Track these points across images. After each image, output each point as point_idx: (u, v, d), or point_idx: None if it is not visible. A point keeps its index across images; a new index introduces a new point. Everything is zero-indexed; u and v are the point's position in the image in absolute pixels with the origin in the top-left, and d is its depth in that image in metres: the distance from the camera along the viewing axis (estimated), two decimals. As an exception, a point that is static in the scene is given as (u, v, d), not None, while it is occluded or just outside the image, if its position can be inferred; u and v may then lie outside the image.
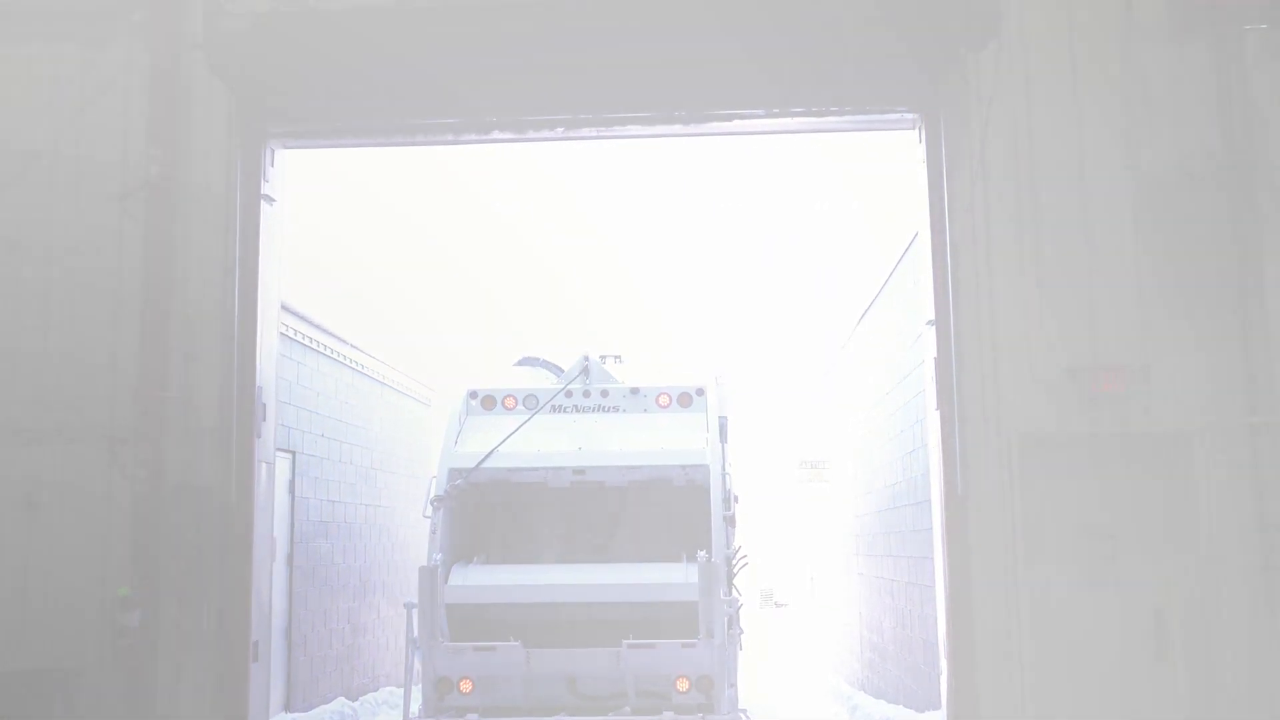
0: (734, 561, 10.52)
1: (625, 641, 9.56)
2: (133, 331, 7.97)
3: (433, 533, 10.00)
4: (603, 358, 11.93)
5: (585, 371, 11.42)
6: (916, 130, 8.27)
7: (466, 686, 9.53)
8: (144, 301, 7.99)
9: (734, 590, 10.39)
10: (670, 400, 11.22)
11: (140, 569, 7.78)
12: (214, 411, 7.95)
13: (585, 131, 8.34)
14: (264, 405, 8.16)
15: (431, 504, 10.09)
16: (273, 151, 8.38)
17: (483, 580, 9.96)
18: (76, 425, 7.89)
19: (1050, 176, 7.84)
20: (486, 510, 10.88)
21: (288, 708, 11.96)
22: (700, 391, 11.22)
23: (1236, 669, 7.40)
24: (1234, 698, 7.38)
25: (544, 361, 12.40)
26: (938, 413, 7.90)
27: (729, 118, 8.20)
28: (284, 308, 11.68)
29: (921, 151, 8.20)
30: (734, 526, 10.64)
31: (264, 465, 8.19)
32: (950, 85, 7.96)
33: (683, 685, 9.59)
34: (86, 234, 8.07)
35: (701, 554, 9.72)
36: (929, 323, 8.06)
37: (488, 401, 11.11)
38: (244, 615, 7.89)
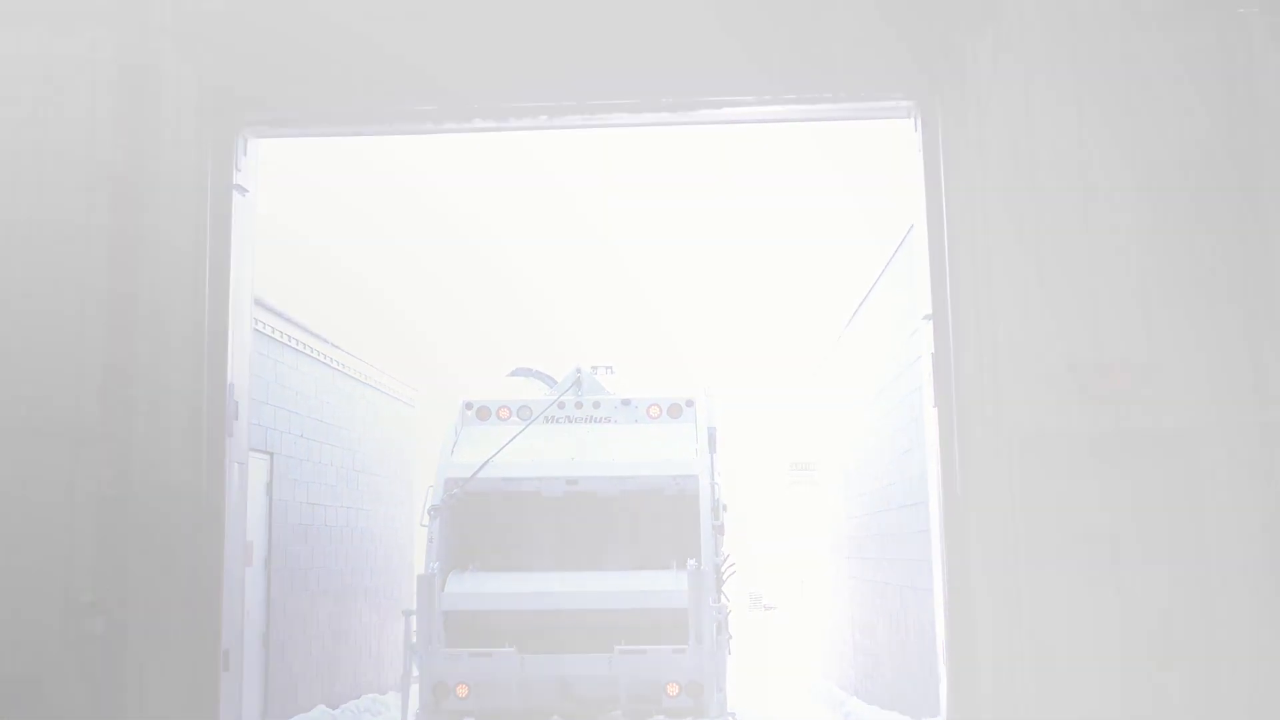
0: (722, 569, 10.92)
1: (617, 647, 10.02)
2: (98, 326, 7.68)
3: (430, 541, 10.51)
4: (594, 369, 12.46)
5: (578, 383, 12.01)
6: (912, 119, 8.06)
7: (463, 691, 10.13)
8: (110, 295, 7.70)
9: (723, 597, 10.73)
10: (661, 411, 11.79)
11: (106, 574, 7.49)
12: (184, 409, 7.67)
13: (569, 120, 8.08)
14: (236, 403, 7.90)
15: (429, 513, 10.55)
16: (245, 141, 8.12)
17: (479, 588, 10.43)
18: (39, 424, 7.59)
19: (1050, 167, 7.63)
20: (482, 519, 11.35)
21: (265, 716, 11.71)
22: (690, 403, 11.82)
23: (1240, 672, 7.21)
24: (1238, 701, 7.19)
25: (537, 372, 12.99)
26: (935, 410, 7.71)
27: (718, 105, 7.96)
28: (263, 305, 11.47)
29: (918, 141, 7.99)
30: (723, 535, 11.12)
31: (236, 466, 7.93)
32: (947, 73, 7.76)
33: (673, 690, 10.09)
34: (51, 226, 7.77)
35: (691, 562, 10.13)
36: (925, 317, 7.88)
37: (483, 412, 11.73)
38: (214, 622, 7.60)
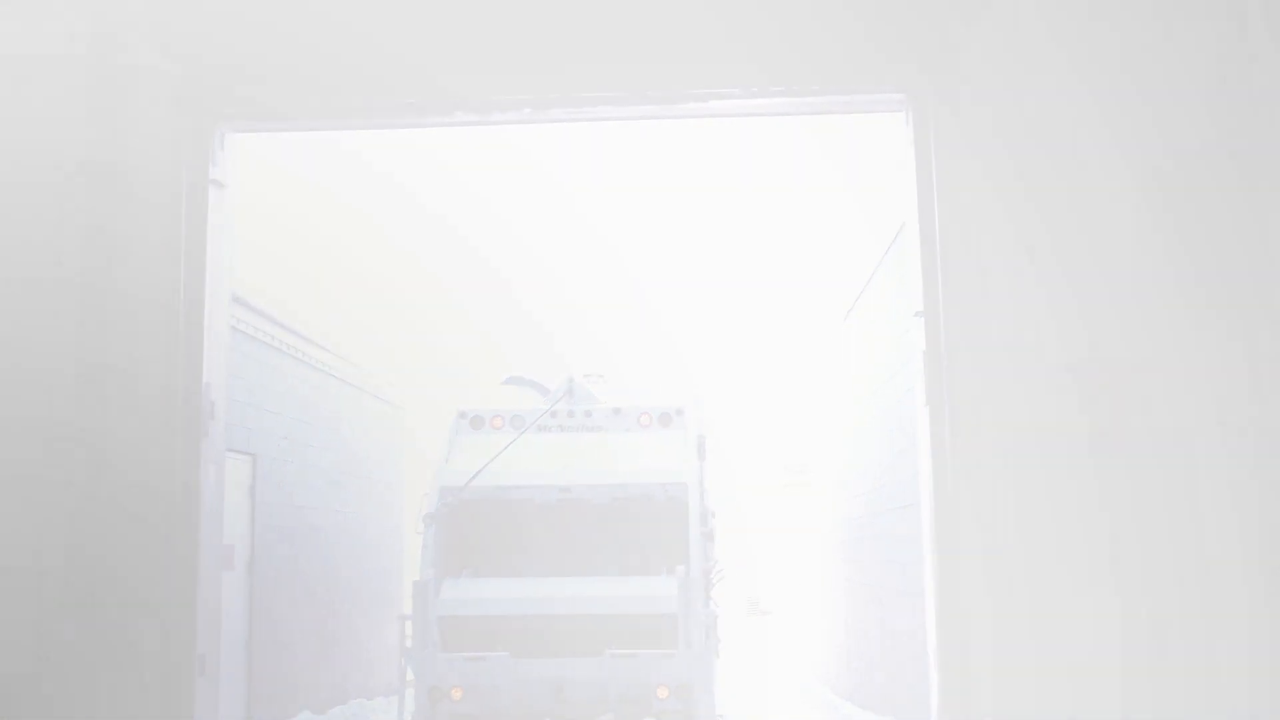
0: (711, 574, 11.18)
1: (608, 651, 10.37)
2: (71, 323, 7.51)
3: (425, 548, 10.90)
4: (586, 376, 12.73)
5: (570, 392, 12.33)
6: (904, 112, 7.92)
7: (458, 694, 10.57)
8: (83, 291, 7.55)
9: (711, 602, 10.99)
10: (651, 420, 12.16)
11: (78, 576, 7.33)
12: (158, 409, 7.51)
13: (554, 113, 7.94)
14: (212, 402, 7.75)
15: (424, 520, 10.90)
16: (222, 135, 7.98)
17: (473, 593, 10.83)
18: (9, 422, 7.43)
19: (1045, 162, 7.49)
20: (477, 526, 11.71)
21: (248, 722, 11.55)
22: (680, 412, 12.18)
23: (1240, 673, 7.08)
24: (1238, 701, 7.06)
25: (530, 381, 13.31)
26: (926, 409, 7.57)
27: (705, 98, 7.82)
28: (246, 305, 11.33)
29: (909, 135, 7.86)
30: (711, 541, 11.46)
31: (213, 466, 7.78)
32: (940, 64, 7.63)
33: (663, 693, 10.42)
34: (23, 222, 7.60)
35: (680, 568, 10.47)
36: (917, 314, 7.74)
37: (476, 421, 12.18)
38: (189, 627, 7.44)
